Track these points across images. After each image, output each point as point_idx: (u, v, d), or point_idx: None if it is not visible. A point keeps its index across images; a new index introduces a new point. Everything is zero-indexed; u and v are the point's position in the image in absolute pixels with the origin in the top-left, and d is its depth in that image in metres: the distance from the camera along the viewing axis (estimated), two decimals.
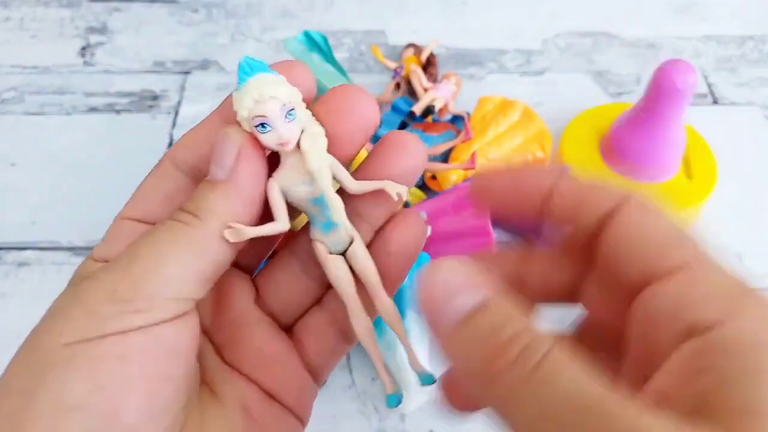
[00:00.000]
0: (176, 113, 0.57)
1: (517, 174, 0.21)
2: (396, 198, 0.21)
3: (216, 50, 0.62)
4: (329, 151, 0.20)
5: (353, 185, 0.21)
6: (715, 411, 0.14)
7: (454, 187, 0.46)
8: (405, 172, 0.21)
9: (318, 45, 0.56)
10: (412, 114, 0.53)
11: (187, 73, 0.60)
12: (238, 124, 0.20)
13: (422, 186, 0.50)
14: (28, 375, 0.18)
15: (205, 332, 0.23)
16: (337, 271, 0.21)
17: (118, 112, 0.57)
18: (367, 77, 0.60)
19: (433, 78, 0.58)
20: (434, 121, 0.53)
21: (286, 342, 0.24)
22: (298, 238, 0.24)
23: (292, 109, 0.19)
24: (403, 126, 0.53)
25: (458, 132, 0.52)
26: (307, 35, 0.56)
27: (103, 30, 0.64)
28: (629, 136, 0.48)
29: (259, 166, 0.20)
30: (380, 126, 0.53)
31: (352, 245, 0.21)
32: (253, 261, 0.24)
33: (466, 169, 0.47)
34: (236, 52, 0.62)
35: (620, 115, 0.50)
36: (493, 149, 0.50)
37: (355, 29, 0.65)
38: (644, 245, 0.17)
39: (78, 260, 0.47)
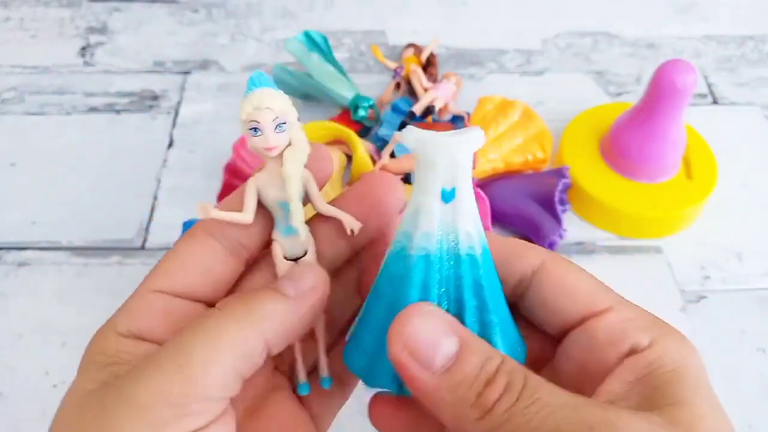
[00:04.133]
0: (176, 113, 0.57)
1: None
2: (349, 233, 0.23)
3: (216, 50, 0.62)
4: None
5: (320, 205, 0.23)
6: (656, 406, 0.18)
7: None
8: (381, 211, 0.24)
9: (318, 45, 0.56)
10: (412, 114, 0.53)
11: (187, 73, 0.60)
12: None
13: None
14: None
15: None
16: (282, 273, 0.23)
17: (118, 112, 0.57)
18: (367, 77, 0.60)
19: (433, 78, 0.58)
20: (434, 121, 0.53)
21: (298, 405, 0.25)
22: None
23: (284, 123, 0.21)
24: (402, 126, 0.53)
25: None
26: (307, 35, 0.56)
27: (103, 30, 0.64)
28: (629, 136, 0.48)
29: (322, 303, 0.22)
30: (380, 126, 0.53)
31: (305, 257, 0.23)
32: None
33: None
34: (236, 52, 0.62)
35: (620, 115, 0.50)
36: (493, 149, 0.50)
37: (355, 29, 0.65)
38: (577, 289, 0.22)
39: (78, 260, 0.47)
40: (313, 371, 0.25)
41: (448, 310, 0.20)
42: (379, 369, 0.21)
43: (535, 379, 0.18)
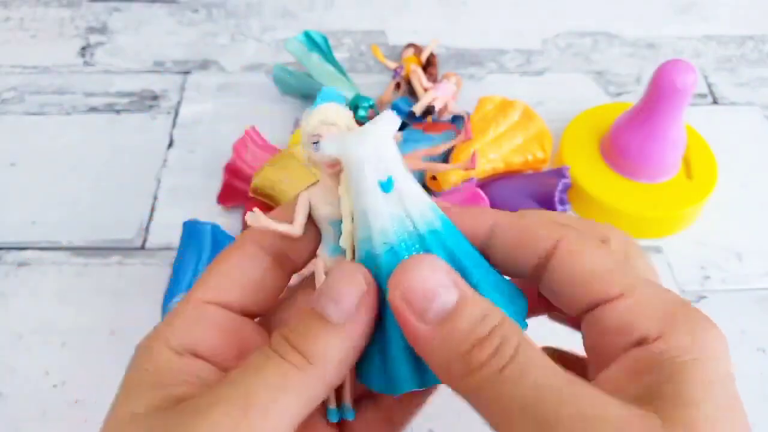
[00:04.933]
0: (176, 113, 0.57)
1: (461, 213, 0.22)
2: None
3: (216, 50, 0.62)
4: None
5: None
6: (653, 400, 0.17)
7: (455, 188, 0.46)
8: None
9: (318, 45, 0.56)
10: (412, 114, 0.53)
11: (187, 73, 0.60)
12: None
13: (422, 186, 0.50)
14: None
15: None
16: None
17: (118, 112, 0.57)
18: (367, 77, 0.60)
19: (433, 78, 0.58)
20: (434, 121, 0.53)
21: None
22: None
23: None
24: (403, 126, 0.53)
25: (458, 132, 0.52)
26: (307, 35, 0.56)
27: (103, 30, 0.65)
28: (629, 136, 0.48)
29: (373, 317, 0.20)
30: None
31: None
32: None
33: (466, 169, 0.47)
34: (236, 52, 0.62)
35: (620, 115, 0.50)
36: (493, 149, 0.50)
37: (355, 29, 0.65)
38: (589, 274, 0.20)
39: (78, 260, 0.47)
40: (357, 400, 0.24)
41: None
42: (394, 373, 0.20)
43: (529, 350, 0.18)
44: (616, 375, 0.19)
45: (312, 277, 0.23)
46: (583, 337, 0.21)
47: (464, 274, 0.20)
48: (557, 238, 0.21)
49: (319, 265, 0.22)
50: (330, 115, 0.21)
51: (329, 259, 0.22)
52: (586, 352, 0.21)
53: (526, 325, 0.21)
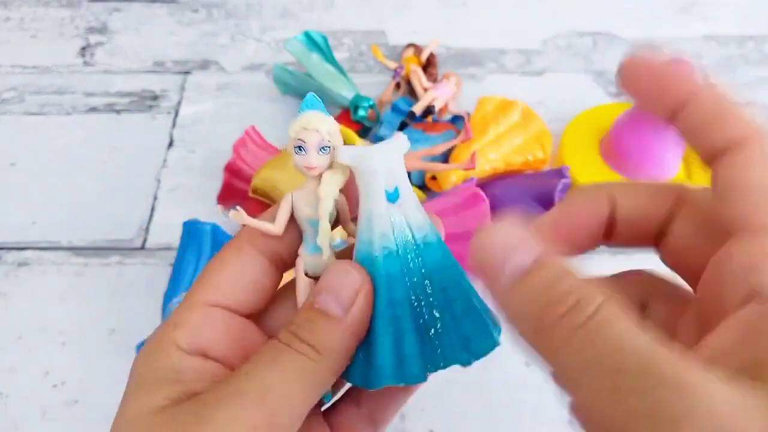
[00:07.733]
0: (176, 113, 0.57)
1: (665, 69, 0.19)
2: None
3: (216, 50, 0.62)
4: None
5: (348, 229, 0.24)
6: (763, 373, 0.14)
7: (455, 188, 0.46)
8: None
9: (318, 45, 0.56)
10: (412, 114, 0.53)
11: (187, 73, 0.60)
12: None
13: (422, 186, 0.50)
14: None
15: None
16: (300, 290, 0.24)
17: (118, 112, 0.57)
18: (367, 77, 0.60)
19: (433, 78, 0.58)
20: (434, 121, 0.53)
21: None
22: None
23: (327, 146, 0.22)
24: (403, 126, 0.53)
25: (458, 132, 0.52)
26: (307, 35, 0.56)
27: (103, 30, 0.65)
28: (629, 136, 0.48)
29: (370, 310, 0.21)
30: (380, 126, 0.53)
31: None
32: None
33: (466, 169, 0.47)
34: (236, 52, 0.62)
35: (620, 115, 0.50)
36: (493, 149, 0.50)
37: (355, 29, 0.65)
38: (747, 194, 0.17)
39: (78, 260, 0.47)
40: (340, 400, 0.25)
41: (417, 294, 0.21)
42: (376, 369, 0.21)
43: (616, 308, 0.16)
44: (722, 337, 0.16)
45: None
46: (705, 279, 0.18)
47: (449, 290, 0.22)
48: (742, 138, 0.17)
49: (299, 264, 0.23)
50: (312, 122, 0.22)
51: (309, 257, 0.23)
52: (699, 299, 0.19)
53: (499, 342, 0.22)
